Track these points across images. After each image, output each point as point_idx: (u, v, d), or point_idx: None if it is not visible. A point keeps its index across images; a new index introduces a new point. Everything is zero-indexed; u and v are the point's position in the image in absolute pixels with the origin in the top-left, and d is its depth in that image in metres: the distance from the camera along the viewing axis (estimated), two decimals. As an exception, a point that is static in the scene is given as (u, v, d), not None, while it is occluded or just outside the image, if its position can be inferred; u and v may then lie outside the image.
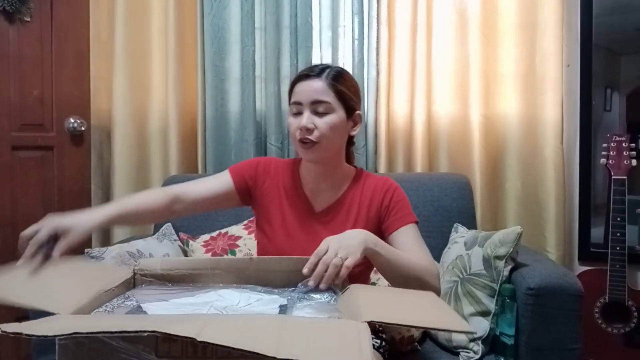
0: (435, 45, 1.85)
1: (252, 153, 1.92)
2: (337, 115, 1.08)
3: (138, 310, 0.75)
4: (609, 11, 1.76)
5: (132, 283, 0.89)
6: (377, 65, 1.85)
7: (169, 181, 1.82)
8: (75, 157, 1.91)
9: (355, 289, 0.86)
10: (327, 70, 1.10)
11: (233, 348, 0.49)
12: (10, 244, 1.72)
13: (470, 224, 1.62)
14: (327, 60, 1.90)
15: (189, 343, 0.56)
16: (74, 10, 1.88)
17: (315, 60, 1.90)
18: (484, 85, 1.80)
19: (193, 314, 0.73)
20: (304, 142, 1.07)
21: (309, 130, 1.06)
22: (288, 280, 0.89)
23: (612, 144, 1.62)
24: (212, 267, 0.90)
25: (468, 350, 1.22)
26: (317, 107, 1.07)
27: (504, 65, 1.81)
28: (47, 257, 0.85)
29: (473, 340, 1.22)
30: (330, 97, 1.08)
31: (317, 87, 1.08)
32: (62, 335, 0.52)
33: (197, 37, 1.96)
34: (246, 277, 0.90)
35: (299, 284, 0.88)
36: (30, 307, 0.69)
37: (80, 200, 1.93)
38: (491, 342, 1.23)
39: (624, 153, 1.60)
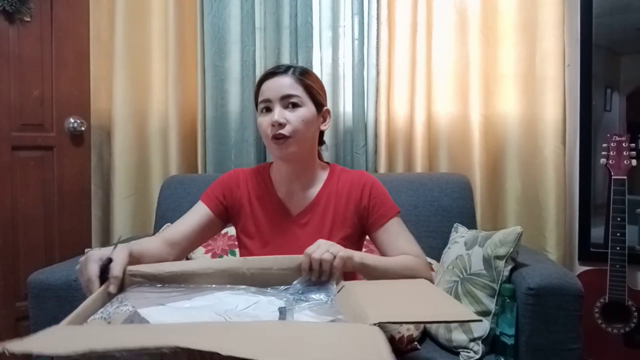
0: (436, 45, 1.85)
1: (252, 153, 1.92)
2: (308, 108, 1.09)
3: (135, 316, 0.73)
4: (609, 11, 1.76)
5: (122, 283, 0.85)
6: (377, 65, 1.85)
7: (169, 181, 1.82)
8: (75, 157, 1.91)
9: (350, 287, 0.86)
10: (292, 68, 1.11)
11: None
12: (11, 243, 1.72)
13: (471, 224, 1.62)
14: (328, 60, 1.90)
15: (198, 352, 0.55)
16: (74, 10, 1.88)
17: (316, 60, 1.90)
18: (484, 85, 1.80)
19: (204, 323, 0.71)
20: (277, 137, 1.06)
21: (281, 125, 1.05)
22: (283, 279, 0.88)
23: (612, 144, 1.62)
24: (205, 267, 0.88)
25: (468, 350, 1.21)
26: (288, 101, 1.07)
27: (504, 65, 1.81)
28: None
29: (473, 340, 1.21)
30: (299, 91, 1.08)
31: (285, 82, 1.08)
32: (77, 353, 0.50)
33: (197, 37, 1.95)
34: (240, 277, 0.88)
35: (294, 282, 0.87)
36: None
37: (80, 200, 1.93)
38: (491, 342, 1.23)
39: (624, 153, 1.60)
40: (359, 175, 1.16)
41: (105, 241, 1.97)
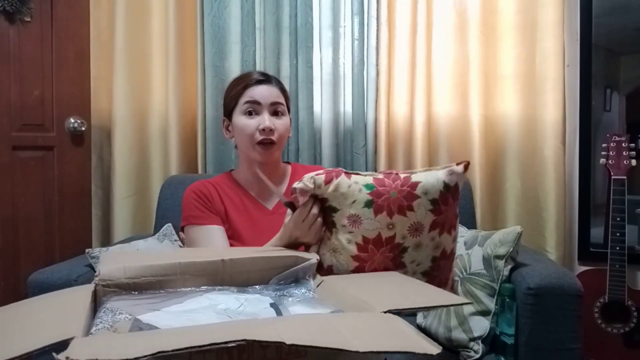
0: (435, 45, 1.85)
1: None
2: (287, 117, 1.21)
3: (139, 322, 0.71)
4: (608, 11, 1.76)
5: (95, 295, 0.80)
6: (377, 65, 1.85)
7: (169, 181, 1.82)
8: (75, 157, 1.91)
9: (330, 280, 0.88)
10: (272, 77, 1.22)
11: (320, 347, 0.50)
12: (11, 243, 1.73)
13: (470, 223, 1.62)
14: (328, 60, 1.90)
15: (225, 352, 0.55)
16: (75, 11, 1.88)
17: (316, 61, 1.91)
18: (484, 85, 1.80)
19: (242, 320, 0.71)
20: (264, 142, 1.14)
21: (271, 131, 1.14)
22: (261, 279, 0.88)
23: (611, 144, 1.62)
24: (182, 272, 0.84)
25: (468, 350, 1.22)
26: (275, 109, 1.17)
27: (504, 65, 1.82)
28: None
29: (473, 339, 1.22)
30: (282, 100, 1.19)
31: (272, 91, 1.18)
32: (146, 355, 0.48)
33: (197, 37, 1.95)
34: (220, 279, 0.86)
35: (271, 281, 0.88)
36: (33, 350, 0.57)
37: (81, 200, 1.94)
38: (491, 341, 1.23)
39: (624, 153, 1.60)
40: (317, 168, 1.30)
41: (106, 241, 1.97)
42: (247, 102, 1.16)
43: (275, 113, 1.17)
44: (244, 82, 1.20)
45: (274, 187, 1.19)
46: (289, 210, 0.98)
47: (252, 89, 1.17)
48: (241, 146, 1.21)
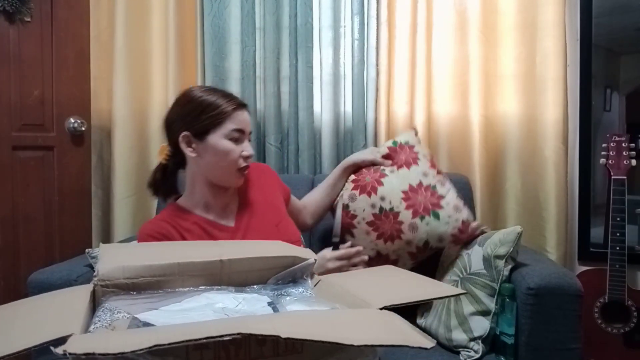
0: (435, 45, 1.85)
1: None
2: None
3: (136, 321, 0.71)
4: (608, 11, 1.76)
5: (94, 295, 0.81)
6: (377, 65, 1.85)
7: (169, 181, 1.82)
8: (75, 157, 1.91)
9: (328, 279, 0.89)
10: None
11: (315, 341, 0.50)
12: (11, 243, 1.73)
13: (470, 223, 1.62)
14: (328, 60, 1.89)
15: (222, 348, 0.55)
16: (75, 11, 1.88)
17: (316, 61, 1.90)
18: (484, 85, 1.80)
19: (241, 316, 0.71)
20: (243, 168, 1.17)
21: (250, 159, 1.18)
22: (259, 279, 0.88)
23: (611, 144, 1.62)
24: (180, 272, 0.83)
25: (468, 350, 1.22)
26: (249, 137, 1.19)
27: (504, 65, 1.81)
28: None
29: (473, 339, 1.22)
30: None
31: (249, 119, 1.19)
32: (143, 349, 0.48)
33: (197, 37, 1.96)
34: (218, 280, 0.86)
35: (269, 280, 0.88)
36: (32, 346, 0.57)
37: (81, 200, 1.94)
38: (491, 341, 1.23)
39: (624, 153, 1.60)
40: (256, 165, 1.33)
41: (106, 241, 1.97)
42: (236, 129, 1.14)
43: (249, 140, 1.20)
44: (225, 104, 1.14)
45: None
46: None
47: (238, 115, 1.15)
48: (214, 168, 1.16)
